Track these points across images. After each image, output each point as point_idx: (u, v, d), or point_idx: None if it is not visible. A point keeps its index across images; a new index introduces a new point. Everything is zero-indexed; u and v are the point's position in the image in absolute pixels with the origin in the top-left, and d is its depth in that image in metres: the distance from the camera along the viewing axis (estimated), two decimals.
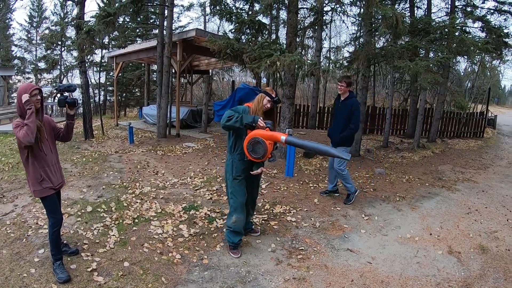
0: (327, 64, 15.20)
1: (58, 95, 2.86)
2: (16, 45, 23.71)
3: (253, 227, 3.70)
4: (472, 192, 5.73)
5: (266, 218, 4.08)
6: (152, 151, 7.84)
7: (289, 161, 5.92)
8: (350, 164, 7.30)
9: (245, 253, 3.32)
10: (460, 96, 14.19)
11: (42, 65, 21.43)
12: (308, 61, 6.37)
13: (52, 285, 2.73)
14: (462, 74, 22.02)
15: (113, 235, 3.58)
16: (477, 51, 7.79)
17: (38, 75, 21.60)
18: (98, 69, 18.62)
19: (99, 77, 12.70)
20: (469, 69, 22.30)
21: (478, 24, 10.27)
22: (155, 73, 15.99)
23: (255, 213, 4.01)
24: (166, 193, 4.88)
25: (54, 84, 20.53)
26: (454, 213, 4.68)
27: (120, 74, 18.34)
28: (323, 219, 4.14)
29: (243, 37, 6.49)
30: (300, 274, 3.03)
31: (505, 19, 10.95)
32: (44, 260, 3.05)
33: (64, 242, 3.27)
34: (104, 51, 12.98)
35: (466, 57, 10.39)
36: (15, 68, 20.96)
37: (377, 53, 6.78)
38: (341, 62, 8.92)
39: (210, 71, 18.21)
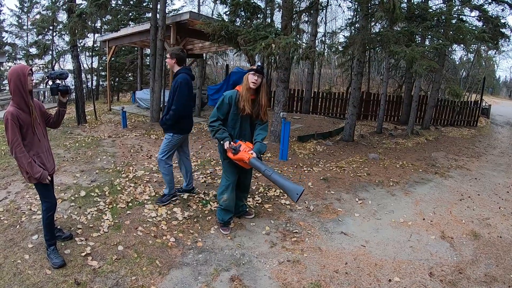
0: (322, 49, 14.99)
1: (50, 82, 2.76)
2: (6, 31, 22.97)
3: (247, 209, 3.67)
4: (465, 180, 5.76)
5: (260, 201, 4.05)
6: (146, 135, 7.72)
7: (283, 145, 5.87)
8: (344, 149, 7.29)
9: (239, 236, 3.30)
10: (455, 84, 14.17)
11: (33, 50, 20.80)
12: (304, 44, 6.23)
13: (46, 270, 2.69)
14: (457, 63, 21.97)
15: (107, 219, 3.52)
16: (473, 39, 7.72)
17: (30, 61, 20.99)
18: (91, 53, 18.22)
19: (92, 62, 12.42)
20: (464, 58, 22.24)
21: (475, 13, 10.13)
22: (148, 57, 15.63)
23: (249, 196, 3.97)
24: (160, 176, 4.80)
25: (46, 70, 19.98)
26: (447, 199, 4.70)
27: (113, 59, 17.96)
28: (317, 203, 4.13)
29: (237, 19, 6.31)
30: (295, 256, 3.01)
31: (502, 9, 10.81)
32: (38, 246, 3.00)
33: (58, 227, 3.21)
34: (96, 35, 12.62)
35: (462, 45, 10.32)
36: (6, 55, 20.35)
37: (373, 38, 6.66)
38: (336, 46, 8.77)
39: (204, 55, 17.90)
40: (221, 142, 3.00)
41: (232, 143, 2.95)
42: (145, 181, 4.59)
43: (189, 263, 2.86)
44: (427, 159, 7.00)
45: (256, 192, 4.33)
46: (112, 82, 19.11)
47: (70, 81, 10.85)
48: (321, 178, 4.94)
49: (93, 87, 15.90)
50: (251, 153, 2.87)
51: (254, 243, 3.20)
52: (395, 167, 6.04)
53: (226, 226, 3.35)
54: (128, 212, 3.67)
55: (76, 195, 4.02)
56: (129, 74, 19.58)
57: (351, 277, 2.81)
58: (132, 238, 3.21)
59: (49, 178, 2.72)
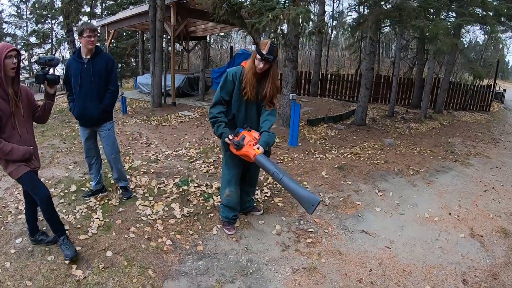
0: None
1: (38, 68, 2.30)
2: (6, 22, 22.39)
3: (255, 205, 3.19)
4: (486, 168, 5.24)
5: (269, 194, 3.56)
6: (146, 121, 7.24)
7: (293, 130, 5.32)
8: (357, 134, 6.74)
9: (246, 237, 2.83)
10: (466, 66, 13.34)
11: (33, 39, 20.22)
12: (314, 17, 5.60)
13: (27, 282, 2.30)
14: (465, 46, 20.85)
15: (97, 218, 3.08)
16: (500, 17, 6.99)
17: (30, 50, 20.47)
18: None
19: None
20: (473, 41, 21.13)
21: None
22: (149, 42, 15.02)
23: (257, 188, 3.50)
24: (158, 166, 4.34)
25: (44, 53, 19.44)
26: (471, 190, 4.21)
27: (113, 44, 17.32)
28: (333, 195, 3.63)
29: None
30: (311, 262, 2.54)
31: None
32: (21, 252, 2.61)
33: (43, 229, 2.82)
34: (95, 20, 12.00)
35: (479, 25, 9.47)
36: None
37: (390, 11, 5.97)
38: (347, 23, 8.08)
39: (208, 37, 17.19)
40: (223, 137, 2.50)
41: (233, 136, 2.43)
42: (141, 172, 4.12)
43: (187, 273, 2.41)
44: (445, 145, 6.44)
45: (265, 183, 3.83)
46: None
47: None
48: (336, 166, 4.42)
49: None
50: (257, 148, 2.35)
51: (263, 246, 2.73)
52: (412, 154, 5.50)
53: (231, 225, 2.89)
54: (120, 209, 3.21)
55: (66, 190, 3.58)
56: (131, 60, 18.97)
57: (377, 287, 2.35)
58: (123, 241, 2.76)
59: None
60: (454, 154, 5.79)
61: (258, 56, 2.34)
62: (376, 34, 8.06)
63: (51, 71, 2.36)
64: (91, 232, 2.90)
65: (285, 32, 5.51)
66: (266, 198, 3.48)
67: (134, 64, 18.82)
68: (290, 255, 2.62)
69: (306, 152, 5.05)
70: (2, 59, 2.04)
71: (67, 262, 2.44)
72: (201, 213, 3.15)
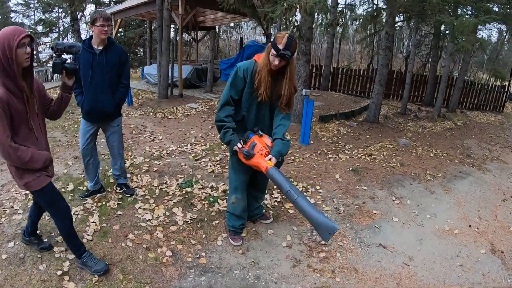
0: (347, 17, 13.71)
1: (54, 55, 1.94)
2: (13, 11, 22.16)
3: (264, 212, 2.94)
4: (504, 174, 4.91)
5: (279, 199, 3.29)
6: (151, 113, 7.00)
7: (305, 126, 5.02)
8: (370, 132, 6.41)
9: (253, 249, 2.58)
10: (479, 66, 12.80)
11: (40, 28, 19.98)
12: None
13: None
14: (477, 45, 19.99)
15: (93, 222, 2.86)
16: None
17: (37, 39, 20.24)
18: None
19: None
20: (487, 39, 20.26)
21: None
22: (157, 31, 14.70)
23: (266, 193, 3.24)
24: (162, 164, 4.11)
25: (51, 42, 19.20)
26: (490, 199, 3.92)
27: (121, 33, 17.05)
28: (347, 202, 3.35)
29: None
30: (324, 281, 2.29)
31: None
32: (12, 258, 2.41)
33: (38, 231, 2.60)
34: (101, 9, 11.69)
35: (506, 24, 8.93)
36: None
37: (412, 4, 5.55)
38: (362, 16, 7.68)
39: (217, 27, 16.81)
40: (231, 145, 2.22)
41: (242, 145, 2.13)
42: (143, 171, 3.89)
43: None
44: (461, 148, 6.09)
45: (275, 187, 3.57)
46: None
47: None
48: (350, 168, 4.13)
49: None
50: (270, 159, 2.07)
51: (272, 260, 2.48)
52: (429, 157, 5.17)
53: (237, 235, 2.64)
54: (118, 212, 2.99)
55: (63, 189, 3.36)
56: (139, 49, 18.69)
57: None
58: (119, 251, 2.53)
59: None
60: (471, 158, 5.46)
61: (273, 51, 2.00)
62: (393, 28, 7.64)
63: (71, 59, 2.02)
64: (86, 239, 2.68)
65: (299, 24, 5.17)
66: (276, 204, 3.22)
67: (142, 54, 18.54)
68: (301, 272, 2.37)
69: (318, 152, 4.76)
70: (13, 49, 1.67)
71: (97, 276, 2.23)
72: (205, 219, 2.91)
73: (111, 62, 2.79)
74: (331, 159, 4.49)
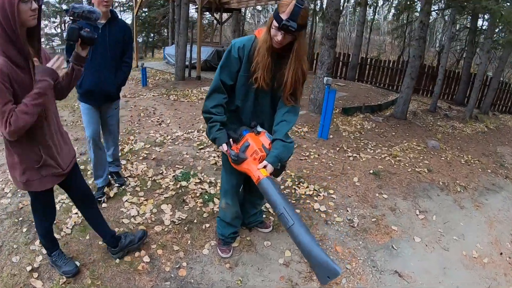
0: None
1: (69, 20, 1.62)
2: None
3: (263, 218, 2.52)
4: None
5: None
6: (165, 95, 6.68)
7: (324, 119, 4.50)
8: (396, 129, 5.79)
9: (243, 264, 2.18)
10: None
11: (64, 6, 20.04)
12: None
13: None
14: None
15: (76, 213, 2.57)
16: None
17: (60, 17, 20.25)
18: (122, 9, 17.20)
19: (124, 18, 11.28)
20: None
21: None
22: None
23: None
24: (162, 151, 3.76)
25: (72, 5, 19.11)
26: None
27: (145, 13, 16.78)
28: (364, 212, 2.86)
29: None
30: None
31: None
32: None
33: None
34: None
35: None
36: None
37: None
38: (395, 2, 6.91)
39: (243, 10, 16.19)
40: (216, 144, 1.76)
41: (231, 144, 1.69)
42: (140, 158, 3.55)
43: None
44: (494, 156, 5.36)
45: (282, 186, 3.13)
46: (146, 38, 18.13)
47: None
48: (371, 171, 3.61)
49: None
50: (264, 166, 1.57)
51: (263, 281, 2.06)
52: (459, 163, 4.53)
53: (227, 245, 2.24)
54: (104, 205, 2.67)
55: None
56: (163, 30, 18.40)
57: None
58: (94, 250, 2.22)
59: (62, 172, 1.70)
60: (505, 169, 4.75)
61: (275, 23, 1.48)
62: (428, 17, 6.84)
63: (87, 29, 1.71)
64: (64, 232, 2.40)
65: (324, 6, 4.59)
66: None
67: (165, 34, 18.28)
68: None
69: (337, 149, 4.25)
70: (15, 4, 1.29)
71: (66, 278, 1.98)
72: (195, 221, 2.53)
73: (115, 39, 2.44)
74: (351, 158, 3.97)
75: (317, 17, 13.49)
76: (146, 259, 2.15)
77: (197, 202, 2.76)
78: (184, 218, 2.55)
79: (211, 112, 1.70)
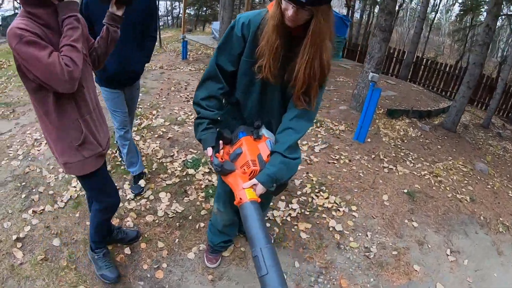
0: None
1: None
2: None
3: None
4: None
5: (295, 214, 2.46)
6: (202, 71, 6.43)
7: (364, 119, 3.94)
8: (443, 142, 5.08)
9: (229, 279, 1.87)
10: None
11: None
12: None
13: None
14: None
15: (74, 187, 2.44)
16: None
17: None
18: None
19: None
20: None
21: None
22: None
23: (283, 199, 2.49)
24: (180, 132, 3.51)
25: None
26: None
27: None
28: (385, 241, 2.39)
29: None
30: None
31: None
32: None
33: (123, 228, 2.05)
34: None
35: None
36: None
37: None
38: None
39: None
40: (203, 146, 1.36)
41: (220, 147, 1.29)
42: (156, 135, 3.34)
43: None
44: None
45: (299, 192, 2.75)
46: (198, 11, 17.97)
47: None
48: (405, 190, 3.08)
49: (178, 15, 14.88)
50: (252, 186, 1.17)
51: None
52: (507, 195, 3.81)
53: (215, 253, 1.94)
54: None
55: None
56: (215, 4, 18.11)
57: None
58: (80, 230, 2.07)
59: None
60: None
61: None
62: (496, 21, 5.82)
63: None
64: (57, 205, 2.28)
65: None
66: (288, 219, 2.41)
67: (217, 8, 18.02)
68: None
69: (372, 156, 3.72)
70: None
71: (103, 281, 1.76)
72: (190, 217, 2.26)
73: (138, 10, 2.08)
74: (385, 170, 3.45)
75: (375, 7, 12.42)
76: (127, 250, 1.95)
77: (199, 195, 2.49)
78: (180, 212, 2.29)
79: (200, 105, 1.33)
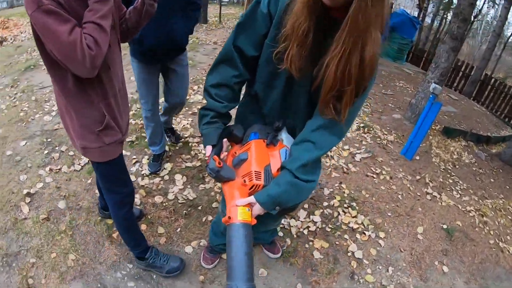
0: None
1: None
2: None
3: (274, 239, 1.91)
4: None
5: (313, 228, 2.17)
6: None
7: (416, 134, 3.46)
8: (498, 176, 4.41)
9: (220, 285, 1.68)
10: None
11: None
12: None
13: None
14: None
15: None
16: None
17: None
18: None
19: None
20: None
21: None
22: None
23: (305, 207, 2.24)
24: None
25: None
26: None
27: None
28: (406, 282, 2.01)
29: None
30: None
31: None
32: (12, 158, 2.31)
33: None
34: None
35: None
36: None
37: None
38: None
39: None
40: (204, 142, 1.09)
41: (223, 148, 1.03)
42: (190, 112, 3.18)
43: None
44: None
45: (326, 203, 2.43)
46: None
47: None
48: (444, 226, 2.64)
49: None
50: (249, 204, 0.92)
51: None
52: None
53: (213, 253, 1.74)
54: (127, 153, 2.42)
55: None
56: None
57: None
58: (87, 198, 2.01)
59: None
60: None
61: None
62: None
63: None
64: (74, 168, 2.24)
65: None
66: (304, 233, 2.12)
67: None
68: None
69: (417, 177, 3.26)
70: None
71: (168, 275, 1.63)
72: (200, 208, 2.08)
73: None
74: (428, 197, 3.00)
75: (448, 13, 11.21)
76: None
77: (216, 185, 2.30)
78: (191, 199, 2.13)
79: (209, 93, 1.07)
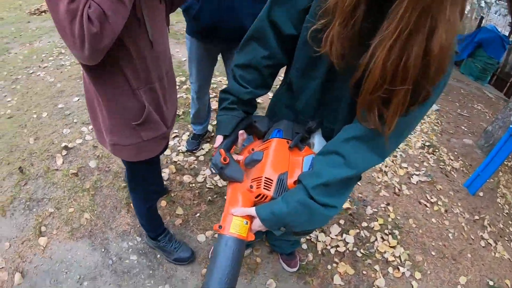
0: None
1: None
2: None
3: (294, 250, 1.67)
4: None
5: (343, 250, 1.89)
6: None
7: (486, 167, 2.93)
8: None
9: None
10: None
11: None
12: None
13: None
14: None
15: None
16: None
17: None
18: None
19: None
20: None
21: None
22: None
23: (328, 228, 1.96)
24: (267, 97, 3.15)
25: None
26: None
27: None
28: None
29: None
30: None
31: None
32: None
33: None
34: None
35: None
36: None
37: None
38: None
39: None
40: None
41: (230, 147, 0.81)
42: (213, 95, 3.01)
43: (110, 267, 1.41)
44: None
45: (365, 224, 2.10)
46: None
47: None
48: (490, 282, 2.11)
49: None
50: (247, 216, 0.72)
51: None
52: None
53: None
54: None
55: None
56: None
57: None
58: (119, 161, 1.99)
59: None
60: None
61: None
62: None
63: None
64: (92, 136, 2.24)
65: None
66: (331, 252, 1.83)
67: None
68: None
69: (475, 217, 2.73)
70: None
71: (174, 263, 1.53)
72: (219, 201, 1.92)
73: None
74: (481, 243, 2.47)
75: None
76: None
77: None
78: (220, 186, 1.97)
79: (234, 74, 0.85)
